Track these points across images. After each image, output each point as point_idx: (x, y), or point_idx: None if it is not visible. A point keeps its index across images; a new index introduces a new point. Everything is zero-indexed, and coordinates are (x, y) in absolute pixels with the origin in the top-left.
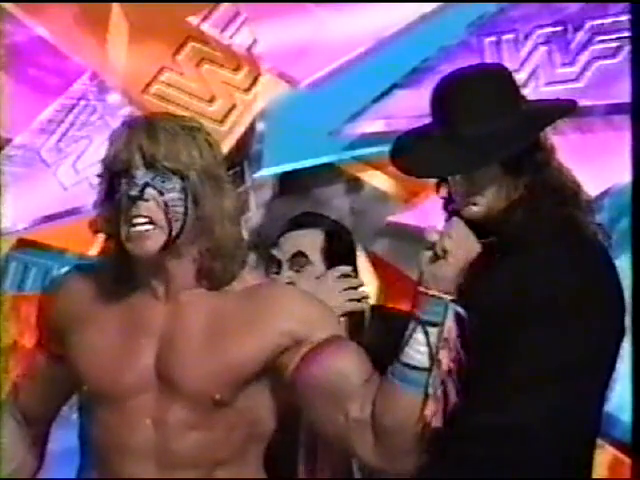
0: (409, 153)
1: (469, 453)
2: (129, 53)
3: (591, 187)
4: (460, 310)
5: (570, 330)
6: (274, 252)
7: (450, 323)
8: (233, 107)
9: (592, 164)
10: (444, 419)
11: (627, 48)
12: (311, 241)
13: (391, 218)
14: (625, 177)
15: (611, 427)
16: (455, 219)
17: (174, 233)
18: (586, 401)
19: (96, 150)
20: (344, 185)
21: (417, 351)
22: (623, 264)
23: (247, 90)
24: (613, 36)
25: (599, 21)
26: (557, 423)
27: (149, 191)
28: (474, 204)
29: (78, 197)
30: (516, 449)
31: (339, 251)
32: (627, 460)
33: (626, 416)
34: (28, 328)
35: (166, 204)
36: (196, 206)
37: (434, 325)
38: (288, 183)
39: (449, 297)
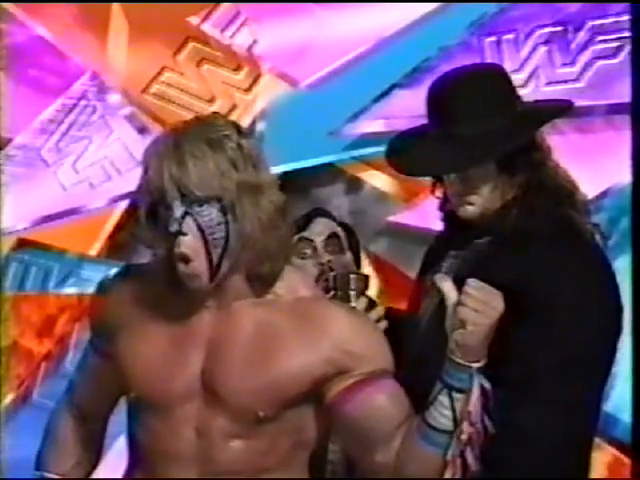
0: (404, 152)
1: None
2: (129, 53)
3: (591, 187)
4: (485, 383)
5: (566, 329)
6: (306, 234)
7: (475, 395)
8: (233, 107)
9: (592, 164)
10: None
11: (627, 48)
12: (339, 229)
13: (391, 218)
14: (625, 177)
15: (611, 427)
16: (470, 282)
17: (215, 261)
18: (583, 399)
19: (96, 150)
20: (344, 185)
21: (441, 414)
22: (623, 264)
23: (247, 90)
24: (613, 36)
25: (599, 21)
26: (554, 422)
27: (187, 222)
28: (470, 204)
29: (78, 197)
30: (514, 448)
31: (356, 246)
32: (627, 460)
33: (626, 416)
34: (28, 328)
35: (204, 233)
36: (236, 222)
37: (459, 391)
38: (288, 183)
39: (476, 365)
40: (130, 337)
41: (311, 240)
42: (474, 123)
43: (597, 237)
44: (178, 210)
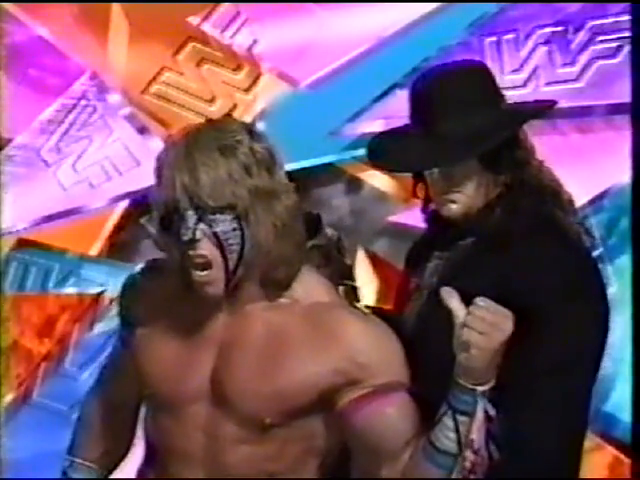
0: (386, 149)
1: None
2: (129, 53)
3: (591, 187)
4: (490, 409)
5: (554, 331)
6: (320, 242)
7: (478, 421)
8: (233, 107)
9: (592, 164)
10: None
11: (627, 48)
12: None
13: (391, 218)
14: (625, 177)
15: (611, 427)
16: (478, 302)
17: (232, 267)
18: (575, 401)
19: (96, 150)
20: (344, 185)
21: (445, 436)
22: (623, 264)
23: (247, 90)
24: (613, 36)
25: (599, 21)
26: (550, 425)
27: (201, 228)
28: (453, 202)
29: (78, 197)
30: (511, 453)
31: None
32: (627, 460)
33: (626, 416)
34: (28, 328)
35: (219, 239)
36: (251, 229)
37: (464, 414)
38: None
39: (481, 389)
40: (147, 333)
41: (327, 247)
42: (456, 120)
43: (583, 237)
44: (191, 219)
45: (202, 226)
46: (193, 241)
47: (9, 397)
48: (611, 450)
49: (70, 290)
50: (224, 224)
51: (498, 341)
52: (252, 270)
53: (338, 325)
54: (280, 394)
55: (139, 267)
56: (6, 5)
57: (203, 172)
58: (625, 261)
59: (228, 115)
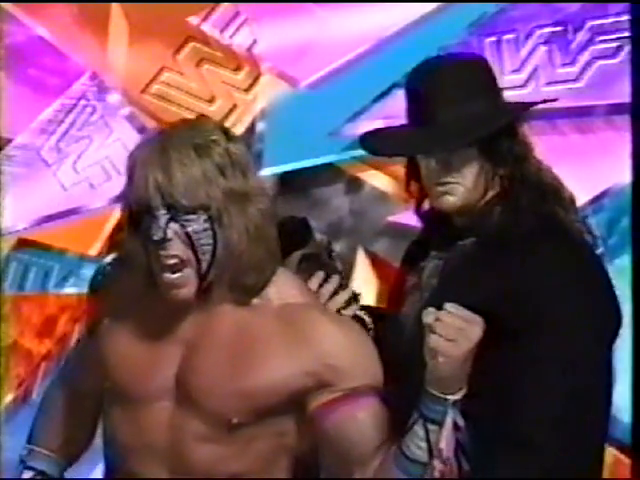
0: (380, 135)
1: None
2: (129, 53)
3: (591, 187)
4: (459, 419)
5: (560, 331)
6: (313, 250)
7: (447, 431)
8: (233, 107)
9: (592, 164)
10: None
11: (627, 48)
12: None
13: (391, 218)
14: (625, 177)
15: (611, 427)
16: (447, 307)
17: (204, 267)
18: (590, 404)
19: (96, 150)
20: (344, 185)
21: (415, 445)
22: (623, 264)
23: (247, 90)
24: (613, 36)
25: (599, 21)
26: (564, 430)
27: (172, 227)
28: (449, 194)
29: (78, 197)
30: (520, 461)
31: None
32: (627, 460)
33: (626, 416)
34: (28, 328)
35: (191, 239)
36: (223, 231)
37: (434, 422)
38: (288, 183)
39: (452, 398)
40: (114, 325)
41: (318, 254)
42: (453, 109)
43: (586, 235)
44: (163, 218)
45: (174, 225)
46: (164, 240)
47: (9, 397)
48: (611, 450)
49: (70, 290)
50: (197, 224)
51: (466, 348)
52: (223, 274)
53: (310, 326)
54: (248, 393)
55: (109, 258)
56: (6, 5)
57: (177, 170)
58: (625, 261)
59: (203, 115)
